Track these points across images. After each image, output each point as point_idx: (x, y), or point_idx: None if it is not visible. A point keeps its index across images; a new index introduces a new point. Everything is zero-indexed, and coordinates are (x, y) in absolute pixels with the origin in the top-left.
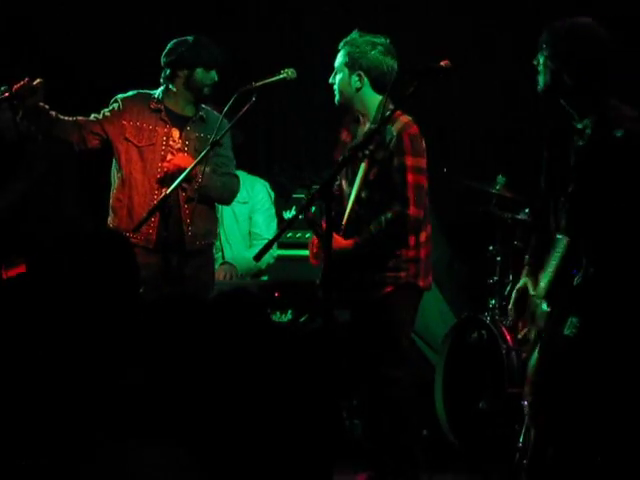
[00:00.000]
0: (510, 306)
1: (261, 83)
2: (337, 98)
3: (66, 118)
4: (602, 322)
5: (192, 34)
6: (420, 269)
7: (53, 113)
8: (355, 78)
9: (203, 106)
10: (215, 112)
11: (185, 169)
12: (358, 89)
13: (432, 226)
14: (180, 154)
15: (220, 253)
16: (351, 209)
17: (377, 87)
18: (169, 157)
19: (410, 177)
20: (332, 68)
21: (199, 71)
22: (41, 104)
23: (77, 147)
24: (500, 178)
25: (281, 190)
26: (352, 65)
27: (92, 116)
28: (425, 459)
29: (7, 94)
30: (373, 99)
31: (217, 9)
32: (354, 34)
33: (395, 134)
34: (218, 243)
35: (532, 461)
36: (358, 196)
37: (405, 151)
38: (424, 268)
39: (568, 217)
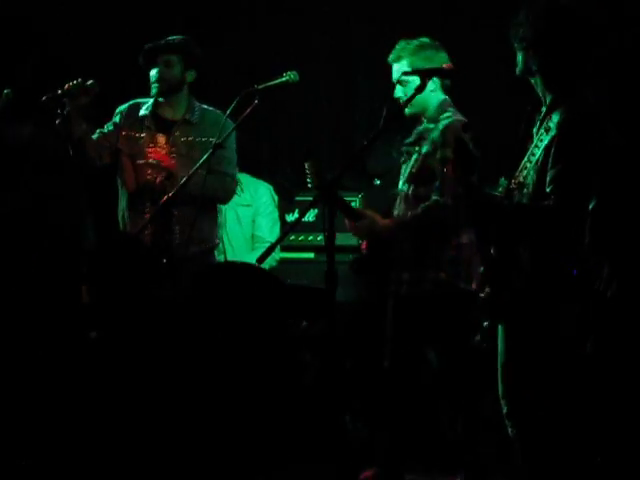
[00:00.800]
0: None
1: (264, 86)
2: (409, 110)
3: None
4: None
5: (193, 35)
6: (461, 271)
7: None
8: (430, 82)
9: (204, 107)
10: (218, 112)
11: (161, 165)
12: (432, 90)
13: None
14: (157, 152)
15: (222, 256)
16: (398, 205)
17: (444, 87)
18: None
19: (450, 170)
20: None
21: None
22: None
23: (98, 163)
24: (502, 181)
25: (284, 193)
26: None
27: (98, 131)
28: None
29: (59, 91)
30: (437, 99)
31: (221, 11)
32: (403, 43)
33: (441, 128)
34: (220, 246)
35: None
36: (405, 192)
37: (448, 145)
38: (465, 270)
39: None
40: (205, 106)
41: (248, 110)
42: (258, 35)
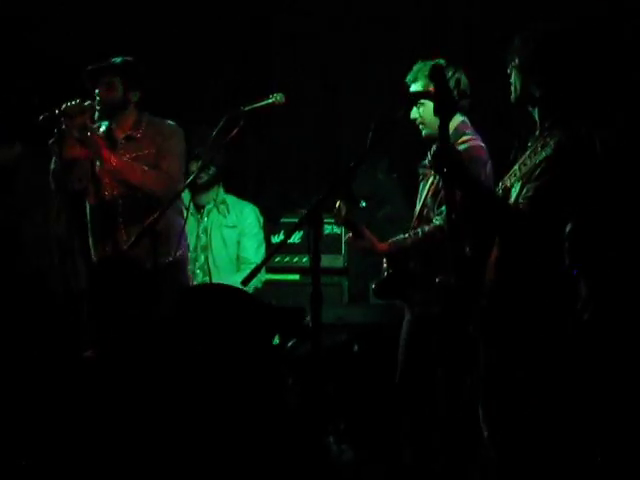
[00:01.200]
0: None
1: (250, 107)
2: (425, 131)
3: None
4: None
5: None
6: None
7: None
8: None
9: (153, 119)
10: (165, 122)
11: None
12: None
13: None
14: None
15: (207, 277)
16: (412, 226)
17: (460, 108)
18: None
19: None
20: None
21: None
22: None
23: (77, 186)
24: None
25: (270, 215)
26: None
27: None
28: None
29: (57, 111)
30: (454, 120)
31: (208, 33)
32: (420, 64)
33: None
34: (206, 266)
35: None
36: (420, 213)
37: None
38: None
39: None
40: (156, 118)
41: (234, 131)
42: (244, 56)
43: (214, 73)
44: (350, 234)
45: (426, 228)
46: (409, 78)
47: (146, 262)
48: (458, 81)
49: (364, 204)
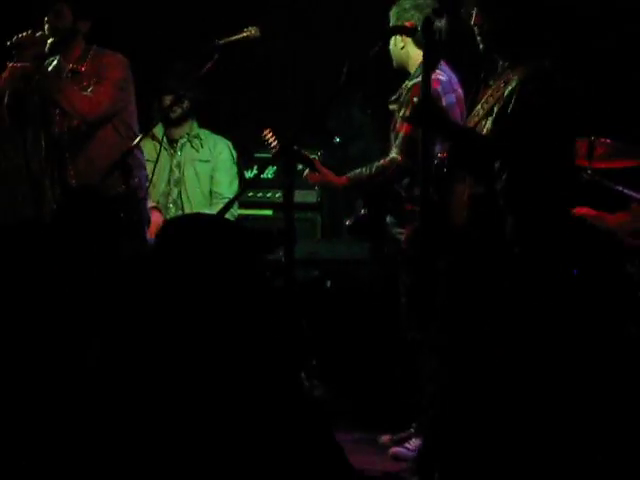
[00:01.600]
0: None
1: (224, 41)
2: (395, 64)
3: None
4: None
5: None
6: None
7: None
8: (398, 38)
9: (100, 51)
10: (109, 52)
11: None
12: (402, 48)
13: None
14: None
15: (180, 211)
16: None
17: (417, 43)
18: None
19: (405, 128)
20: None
21: None
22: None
23: None
24: None
25: (243, 149)
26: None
27: None
28: None
29: (8, 43)
30: (416, 55)
31: None
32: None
33: (408, 87)
34: (179, 201)
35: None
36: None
37: (407, 104)
38: None
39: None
40: (103, 50)
41: (209, 65)
42: None
43: (186, 7)
44: (307, 169)
45: (380, 161)
46: (395, 11)
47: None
48: (440, 30)
49: (338, 140)
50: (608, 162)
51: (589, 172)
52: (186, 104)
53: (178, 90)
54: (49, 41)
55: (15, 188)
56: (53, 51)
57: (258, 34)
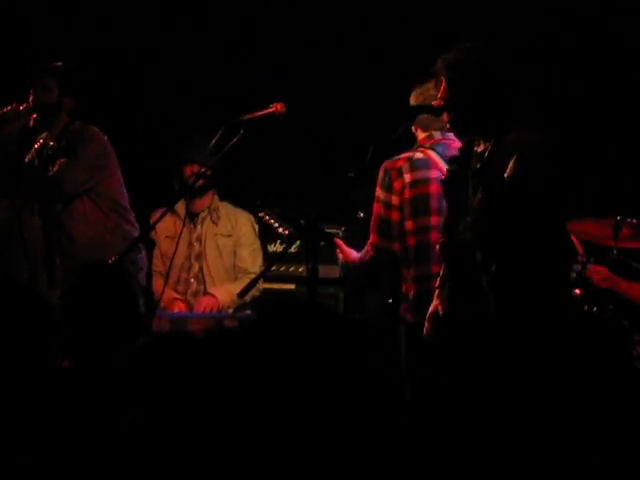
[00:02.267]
0: None
1: (249, 117)
2: None
3: None
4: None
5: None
6: (409, 306)
7: None
8: None
9: (81, 126)
10: (88, 128)
11: None
12: None
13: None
14: None
15: (202, 286)
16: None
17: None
18: None
19: (375, 207)
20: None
21: None
22: None
23: None
24: None
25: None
26: None
27: None
28: None
29: None
30: (419, 134)
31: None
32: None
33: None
34: (200, 275)
35: None
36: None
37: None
38: (413, 305)
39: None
40: (83, 126)
41: (233, 141)
42: (247, 65)
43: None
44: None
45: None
46: (419, 92)
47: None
48: None
49: (362, 215)
50: (634, 242)
51: (615, 252)
52: (208, 173)
53: (199, 161)
54: (34, 116)
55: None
56: (36, 126)
57: (284, 110)
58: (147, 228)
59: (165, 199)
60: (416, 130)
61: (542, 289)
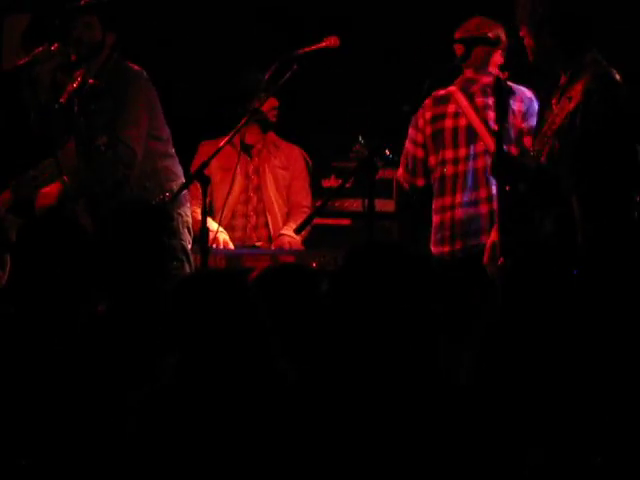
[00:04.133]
0: None
1: (303, 51)
2: None
3: None
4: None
5: None
6: (433, 234)
7: None
8: None
9: (119, 63)
10: (127, 66)
11: None
12: None
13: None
14: None
15: (263, 217)
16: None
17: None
18: None
19: (406, 143)
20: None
21: None
22: None
23: None
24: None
25: (320, 158)
26: None
27: None
28: None
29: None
30: None
31: None
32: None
33: None
34: (260, 207)
35: None
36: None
37: None
38: (435, 235)
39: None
40: (122, 63)
41: (287, 76)
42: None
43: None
44: None
45: None
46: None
47: None
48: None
49: None
50: None
51: None
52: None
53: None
54: (73, 56)
55: None
56: (75, 66)
57: (338, 44)
58: (204, 163)
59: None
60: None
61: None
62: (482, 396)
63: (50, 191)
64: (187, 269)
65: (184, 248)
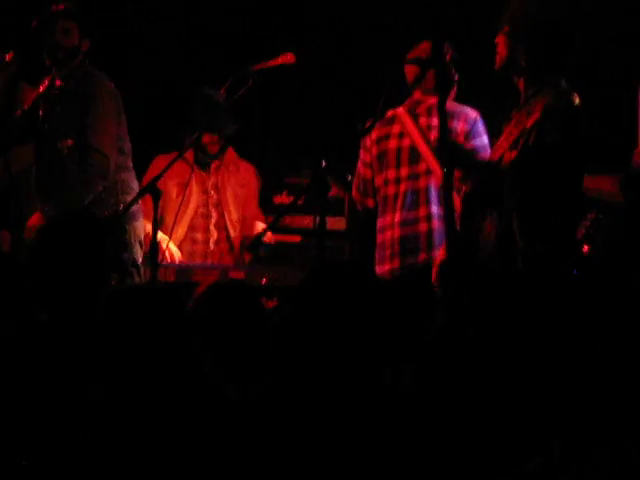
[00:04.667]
0: None
1: (258, 67)
2: None
3: None
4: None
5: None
6: (377, 253)
7: None
8: None
9: (88, 69)
10: (94, 72)
11: None
12: None
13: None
14: None
15: (225, 232)
16: None
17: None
18: None
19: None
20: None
21: None
22: None
23: None
24: None
25: (272, 174)
26: None
27: None
28: None
29: None
30: None
31: None
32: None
33: None
34: (222, 223)
35: None
36: None
37: None
38: (378, 254)
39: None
40: (90, 69)
41: (241, 91)
42: (256, 15)
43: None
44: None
45: None
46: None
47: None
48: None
49: None
50: None
51: None
52: (222, 141)
53: (212, 126)
54: (47, 61)
55: None
56: (44, 69)
57: (293, 60)
58: (156, 177)
59: (163, 145)
60: None
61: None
62: (425, 411)
63: (34, 223)
64: (137, 282)
65: (135, 262)
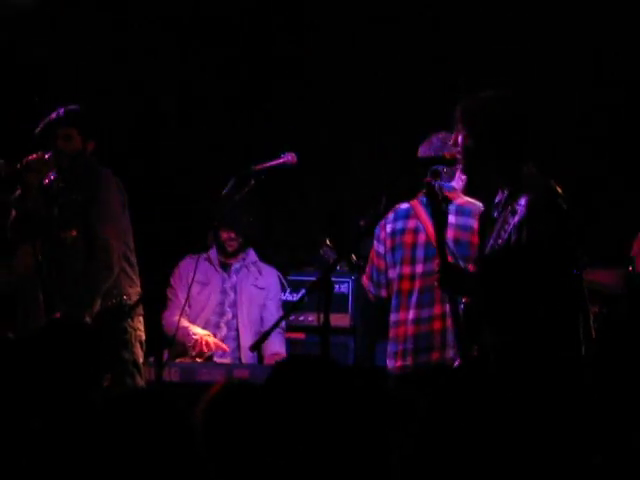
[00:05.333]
0: None
1: (260, 167)
2: None
3: None
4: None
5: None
6: (389, 347)
7: None
8: None
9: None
10: (99, 168)
11: None
12: None
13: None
14: None
15: (235, 332)
16: None
17: None
18: None
19: (371, 254)
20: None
21: None
22: None
23: None
24: None
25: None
26: None
27: None
28: None
29: (19, 165)
30: None
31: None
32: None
33: None
34: (234, 323)
35: None
36: None
37: None
38: (390, 348)
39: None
40: (95, 166)
41: (244, 191)
42: (257, 115)
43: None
44: None
45: None
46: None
47: None
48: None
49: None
50: None
51: None
52: (240, 239)
53: (227, 222)
54: (54, 160)
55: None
56: (59, 175)
57: (295, 160)
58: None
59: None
60: None
61: (545, 342)
62: None
63: None
64: (138, 382)
65: (136, 361)
